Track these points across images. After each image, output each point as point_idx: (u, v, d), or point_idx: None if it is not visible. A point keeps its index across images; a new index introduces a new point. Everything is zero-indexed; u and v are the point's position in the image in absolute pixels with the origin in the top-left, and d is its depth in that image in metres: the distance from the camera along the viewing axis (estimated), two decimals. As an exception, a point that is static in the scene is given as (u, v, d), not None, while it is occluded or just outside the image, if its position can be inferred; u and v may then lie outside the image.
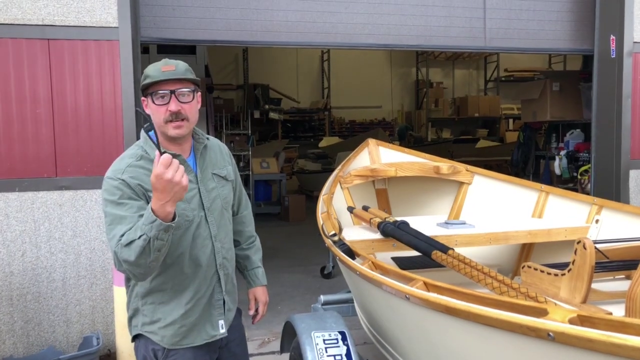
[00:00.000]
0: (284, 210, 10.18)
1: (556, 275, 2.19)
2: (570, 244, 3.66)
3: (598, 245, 2.24)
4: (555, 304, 1.85)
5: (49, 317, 3.81)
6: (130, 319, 2.05)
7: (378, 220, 3.28)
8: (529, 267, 2.35)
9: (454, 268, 2.42)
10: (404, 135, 15.07)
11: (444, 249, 2.68)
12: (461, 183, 4.39)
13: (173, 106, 1.85)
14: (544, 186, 3.97)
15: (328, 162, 12.31)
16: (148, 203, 1.75)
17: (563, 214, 3.80)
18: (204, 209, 1.99)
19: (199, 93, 1.98)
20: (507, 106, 16.24)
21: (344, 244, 2.57)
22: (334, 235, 2.67)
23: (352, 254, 2.47)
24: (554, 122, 6.65)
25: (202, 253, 1.99)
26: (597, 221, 3.55)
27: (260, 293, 2.36)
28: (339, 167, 4.41)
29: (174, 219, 1.70)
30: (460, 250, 3.92)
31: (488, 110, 15.89)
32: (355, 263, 2.25)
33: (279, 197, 10.67)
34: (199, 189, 1.99)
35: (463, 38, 4.71)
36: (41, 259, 3.76)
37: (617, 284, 2.38)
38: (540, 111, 6.37)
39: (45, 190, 3.72)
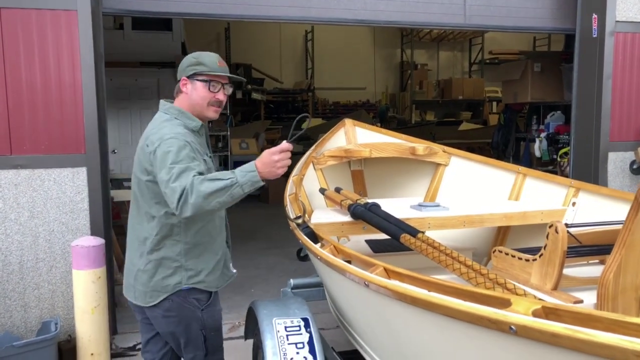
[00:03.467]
0: (263, 192, 10.02)
1: (527, 260, 2.08)
2: (545, 227, 3.59)
3: (571, 230, 2.13)
4: (524, 292, 1.73)
5: (5, 302, 3.64)
6: (164, 280, 2.19)
7: (349, 202, 3.15)
8: (500, 251, 2.24)
9: (422, 252, 2.30)
10: (385, 116, 14.92)
11: (414, 232, 2.56)
12: (437, 164, 4.28)
13: (222, 96, 2.26)
14: (521, 168, 3.87)
15: (311, 144, 12.10)
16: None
17: (540, 196, 3.70)
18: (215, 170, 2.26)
19: None
20: (491, 89, 16.14)
21: (308, 226, 2.43)
22: (299, 217, 2.53)
23: (316, 237, 2.34)
24: (535, 103, 6.55)
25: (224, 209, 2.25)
26: (574, 204, 3.46)
27: None
28: (313, 147, 4.27)
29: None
30: (434, 234, 3.85)
31: (472, 93, 15.78)
32: (317, 247, 2.12)
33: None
34: (212, 158, 2.37)
35: (442, 15, 4.55)
36: (-4, 241, 3.59)
37: (590, 269, 2.28)
38: (521, 92, 6.26)
39: (-1, 169, 3.54)
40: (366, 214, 2.91)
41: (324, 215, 3.20)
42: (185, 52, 9.30)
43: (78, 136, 3.62)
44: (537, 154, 6.40)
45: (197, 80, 2.21)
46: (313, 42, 15.84)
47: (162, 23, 9.10)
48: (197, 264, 2.24)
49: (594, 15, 4.67)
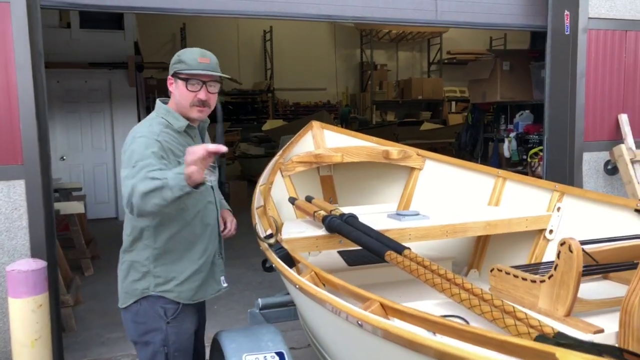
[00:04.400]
0: (226, 197, 9.61)
1: (534, 281, 1.84)
2: (529, 234, 3.41)
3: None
4: (539, 323, 1.48)
5: None
6: (134, 283, 2.17)
7: (323, 213, 2.87)
8: (499, 270, 1.99)
9: (412, 273, 2.04)
10: (347, 118, 14.75)
11: (399, 248, 2.29)
12: (412, 168, 4.04)
13: (202, 95, 2.16)
14: (500, 171, 3.67)
15: (271, 146, 11.80)
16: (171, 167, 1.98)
17: (521, 201, 3.50)
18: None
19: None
20: (449, 89, 16.29)
21: (282, 247, 2.12)
22: (271, 236, 2.22)
23: (291, 259, 2.04)
24: (503, 103, 6.42)
25: (210, 216, 2.26)
26: (558, 209, 3.28)
27: (227, 214, 2.54)
28: (279, 152, 3.96)
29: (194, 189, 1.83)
30: (413, 245, 3.62)
31: (431, 93, 15.83)
32: (294, 274, 1.83)
33: (220, 183, 10.10)
34: None
35: (412, 11, 4.32)
36: None
37: (601, 287, 2.06)
38: (490, 92, 6.12)
39: None
40: (343, 228, 2.63)
41: (295, 229, 2.90)
42: (138, 52, 8.82)
43: (14, 145, 3.20)
44: (507, 154, 6.27)
45: (179, 79, 2.16)
46: (272, 42, 15.52)
47: (112, 21, 8.60)
48: (167, 272, 2.16)
49: (566, 12, 4.54)
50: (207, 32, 14.56)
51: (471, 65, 7.10)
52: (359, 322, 1.38)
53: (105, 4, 3.72)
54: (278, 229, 2.22)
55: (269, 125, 14.13)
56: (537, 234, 3.30)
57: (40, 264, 3.03)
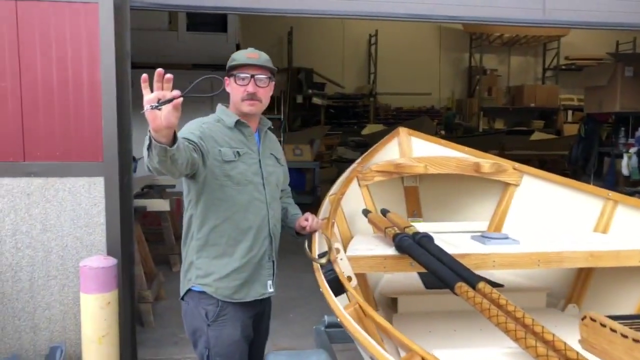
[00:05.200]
0: (316, 200, 9.58)
1: (637, 341, 1.46)
2: (643, 270, 2.89)
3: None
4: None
5: (14, 322, 3.33)
6: (185, 274, 2.23)
7: (394, 230, 2.60)
8: (593, 319, 1.62)
9: (483, 313, 1.72)
10: (451, 123, 14.13)
11: (473, 279, 1.98)
12: (507, 184, 3.62)
13: (251, 87, 2.18)
14: (611, 193, 3.17)
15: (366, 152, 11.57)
16: (212, 153, 2.11)
17: (636, 230, 2.99)
18: (262, 177, 2.25)
19: (273, 82, 2.28)
20: (566, 96, 15.09)
21: (333, 270, 1.90)
22: (324, 255, 2.01)
23: (340, 284, 1.81)
24: (624, 113, 5.69)
25: (257, 214, 2.21)
26: (683, 243, 2.75)
27: (309, 214, 2.45)
28: (359, 159, 3.73)
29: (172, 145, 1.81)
30: (502, 271, 3.22)
31: (545, 101, 14.75)
32: (337, 304, 1.60)
33: (313, 186, 10.07)
34: (259, 160, 2.26)
35: (515, 9, 3.90)
36: (5, 254, 3.29)
37: None
38: (607, 100, 5.45)
39: (10, 177, 3.23)
40: (414, 249, 2.35)
41: (364, 245, 2.67)
42: (239, 55, 9.01)
43: (96, 142, 3.27)
44: (625, 172, 5.55)
45: (231, 76, 2.22)
46: (377, 45, 15.30)
47: (216, 24, 8.85)
48: (208, 265, 2.18)
49: None
50: (313, 35, 14.70)
51: (587, 70, 6.41)
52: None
53: (195, 4, 3.73)
54: (331, 248, 2.00)
55: (369, 129, 13.94)
56: (654, 270, 2.79)
57: (111, 261, 3.06)
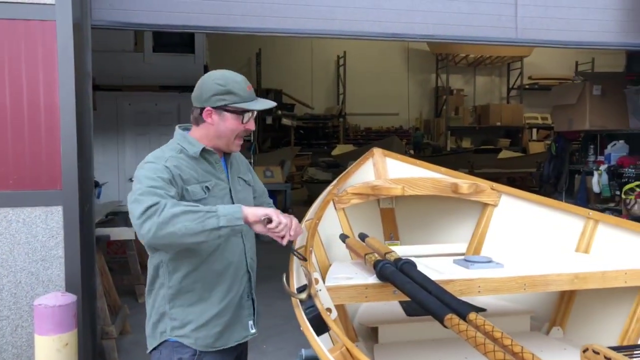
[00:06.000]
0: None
1: (646, 377, 1.35)
2: (629, 291, 2.83)
3: None
4: None
5: (-37, 367, 3.07)
6: (155, 326, 2.00)
7: (375, 257, 2.47)
8: (596, 352, 1.51)
9: (478, 348, 1.59)
10: (420, 143, 14.24)
11: (463, 310, 1.85)
12: (485, 204, 3.54)
13: (252, 125, 2.04)
14: (592, 212, 3.11)
15: (339, 172, 11.50)
16: (181, 195, 1.89)
17: (618, 250, 2.93)
18: None
19: None
20: (530, 115, 15.52)
21: (314, 307, 1.74)
22: (303, 289, 1.85)
23: (323, 322, 1.65)
24: (593, 131, 5.75)
25: (233, 252, 2.03)
26: (667, 262, 2.69)
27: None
28: (334, 182, 3.60)
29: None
30: (482, 297, 3.11)
31: (511, 120, 15.09)
32: (321, 347, 1.44)
33: (284, 208, 9.90)
34: (229, 188, 2.07)
35: (490, 28, 3.89)
36: (-47, 293, 3.02)
37: None
38: (577, 119, 5.49)
39: (-42, 208, 3.00)
40: (397, 277, 2.22)
41: (343, 274, 2.52)
42: (207, 76, 8.85)
43: (53, 169, 3.05)
44: (596, 189, 5.58)
45: (227, 111, 1.97)
46: (345, 67, 15.40)
47: (184, 45, 8.71)
48: (184, 314, 1.96)
49: (674, 28, 3.92)
50: (282, 56, 14.71)
51: (556, 89, 6.48)
52: None
53: (162, 23, 3.58)
54: (311, 282, 1.85)
55: (339, 150, 13.92)
56: (639, 292, 2.72)
57: (70, 298, 2.82)
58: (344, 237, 3.01)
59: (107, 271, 4.57)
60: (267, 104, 2.06)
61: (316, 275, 2.27)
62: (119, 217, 5.77)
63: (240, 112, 1.98)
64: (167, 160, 1.91)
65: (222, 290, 1.99)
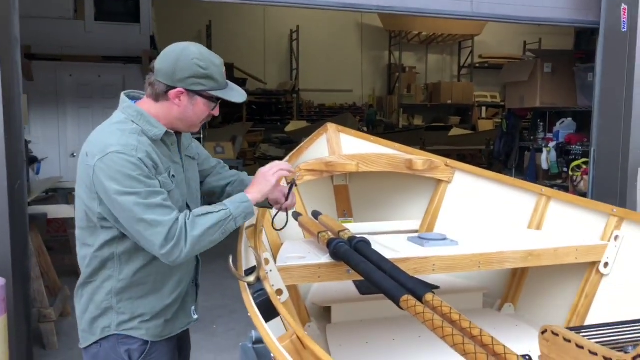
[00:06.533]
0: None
1: (607, 359, 1.30)
2: (579, 267, 2.84)
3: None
4: None
5: None
6: (93, 321, 1.83)
7: (328, 236, 2.37)
8: (555, 333, 1.46)
9: (436, 332, 1.52)
10: (373, 121, 14.24)
11: (419, 291, 1.78)
12: (439, 181, 3.51)
13: (217, 112, 1.89)
14: (544, 189, 3.12)
15: (293, 148, 11.34)
16: (160, 184, 1.73)
17: (569, 226, 2.95)
18: (187, 193, 1.92)
19: None
20: (480, 93, 15.77)
21: (263, 290, 1.62)
22: (252, 271, 1.73)
23: (273, 307, 1.53)
24: (542, 109, 5.82)
25: None
26: (616, 238, 2.72)
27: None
28: (286, 158, 3.47)
29: None
30: (436, 277, 3.07)
31: (461, 98, 15.29)
32: (270, 336, 1.33)
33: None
34: (183, 172, 1.92)
35: (444, 1, 3.80)
36: None
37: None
38: (528, 96, 5.53)
39: None
40: (351, 256, 2.13)
41: (295, 253, 2.41)
42: (154, 47, 8.46)
43: (-23, 142, 2.78)
44: (545, 166, 5.68)
45: (201, 96, 1.80)
46: (298, 41, 15.10)
47: (128, 14, 8.26)
48: (134, 307, 1.82)
49: (623, 6, 3.96)
50: (233, 29, 14.29)
51: (509, 66, 6.52)
52: None
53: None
54: (260, 264, 1.73)
55: (292, 126, 13.74)
56: (588, 267, 2.75)
57: (-1, 281, 2.60)
58: (296, 215, 2.89)
59: (45, 251, 4.31)
60: (242, 95, 1.89)
61: (267, 255, 2.16)
62: (59, 193, 5.46)
63: (215, 100, 1.83)
64: (137, 149, 1.70)
65: (174, 282, 1.88)
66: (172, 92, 1.76)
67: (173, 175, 1.82)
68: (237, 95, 1.86)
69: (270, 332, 1.35)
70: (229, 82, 1.87)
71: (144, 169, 1.68)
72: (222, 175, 2.17)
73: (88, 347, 1.86)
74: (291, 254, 2.38)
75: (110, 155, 1.65)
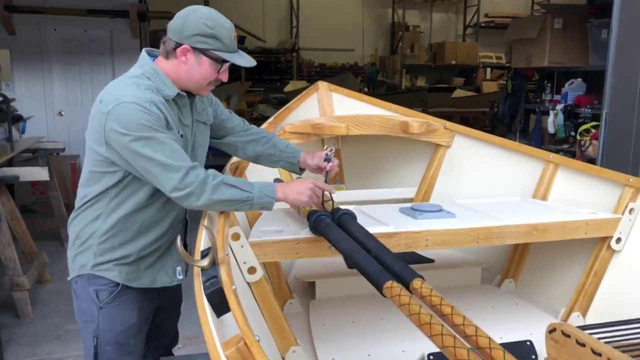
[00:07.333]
0: (235, 163, 8.95)
1: (630, 371, 1.07)
2: (588, 242, 2.59)
3: None
4: None
5: None
6: (75, 257, 1.92)
7: (310, 207, 2.12)
8: (566, 334, 1.21)
9: (422, 328, 1.28)
10: (374, 81, 13.83)
11: (406, 275, 1.53)
12: (437, 145, 3.23)
13: (226, 77, 1.93)
14: (552, 155, 2.84)
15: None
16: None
17: (578, 197, 2.69)
18: (190, 155, 1.92)
19: None
20: (485, 54, 15.29)
21: (216, 277, 1.37)
22: (206, 254, 1.46)
23: (224, 301, 1.28)
24: (550, 68, 5.48)
25: (175, 203, 1.89)
26: (631, 211, 2.46)
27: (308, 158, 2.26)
28: (271, 119, 3.20)
29: None
30: (432, 250, 2.83)
31: (466, 58, 14.83)
32: (215, 340, 1.08)
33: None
34: (192, 134, 1.98)
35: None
36: None
37: None
38: (536, 55, 5.18)
39: None
40: (332, 231, 1.88)
41: (272, 227, 2.16)
42: (143, 0, 8.02)
43: None
44: (551, 129, 5.38)
45: (206, 56, 1.84)
46: (298, -1, 14.58)
47: (115, -36, 7.79)
48: (112, 252, 1.88)
49: (646, -46, 3.58)
50: (231, -15, 13.75)
51: (516, 22, 6.11)
52: None
53: None
54: (215, 244, 1.47)
55: (292, 86, 13.34)
56: (599, 242, 2.50)
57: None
58: (278, 182, 2.63)
59: (19, 215, 4.07)
60: (250, 60, 1.92)
61: (236, 230, 1.90)
62: (40, 154, 5.20)
63: (220, 62, 1.85)
64: (150, 103, 1.74)
65: (155, 234, 1.92)
66: (179, 49, 1.81)
67: (182, 135, 1.88)
68: (244, 60, 1.89)
69: (216, 332, 1.10)
70: (240, 50, 1.89)
71: (155, 120, 1.73)
72: (244, 133, 2.26)
73: (70, 280, 1.95)
74: (268, 227, 2.13)
75: (124, 104, 1.70)
